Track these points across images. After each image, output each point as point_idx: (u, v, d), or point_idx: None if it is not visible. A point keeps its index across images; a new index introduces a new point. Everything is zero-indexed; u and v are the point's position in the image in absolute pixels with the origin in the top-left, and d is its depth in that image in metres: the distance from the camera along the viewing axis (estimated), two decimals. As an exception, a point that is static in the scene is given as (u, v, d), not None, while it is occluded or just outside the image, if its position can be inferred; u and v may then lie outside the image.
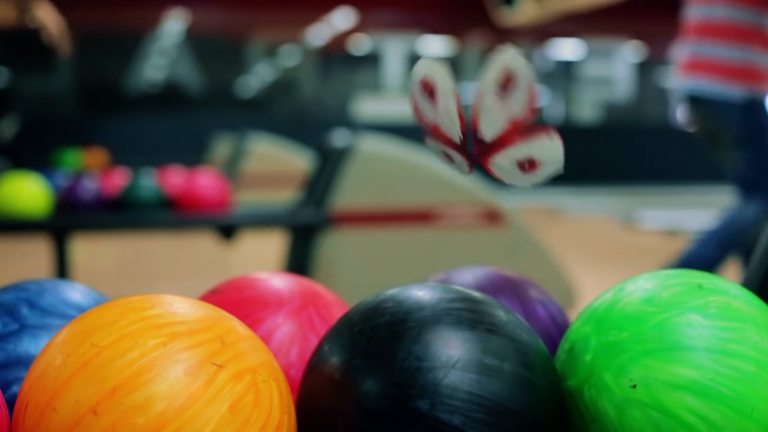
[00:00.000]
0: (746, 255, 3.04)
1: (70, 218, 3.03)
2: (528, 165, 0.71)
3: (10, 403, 0.73)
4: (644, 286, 0.75)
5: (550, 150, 0.70)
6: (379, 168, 3.29)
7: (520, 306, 0.88)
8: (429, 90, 0.73)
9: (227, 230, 3.25)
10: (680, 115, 3.25)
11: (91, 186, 3.05)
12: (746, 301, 0.73)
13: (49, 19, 2.82)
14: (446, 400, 0.64)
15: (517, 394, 0.66)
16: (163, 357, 0.61)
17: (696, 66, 3.05)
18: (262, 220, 3.39)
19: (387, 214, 3.25)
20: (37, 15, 2.76)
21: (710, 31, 2.99)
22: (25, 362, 0.75)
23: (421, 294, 0.71)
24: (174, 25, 13.30)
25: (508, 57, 0.69)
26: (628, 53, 15.83)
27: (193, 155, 9.24)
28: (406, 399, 0.64)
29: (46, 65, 14.71)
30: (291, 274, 0.92)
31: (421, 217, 3.28)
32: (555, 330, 0.88)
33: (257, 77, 17.83)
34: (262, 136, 7.94)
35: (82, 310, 0.80)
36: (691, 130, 3.20)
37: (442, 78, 0.72)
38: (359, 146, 3.26)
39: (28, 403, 0.61)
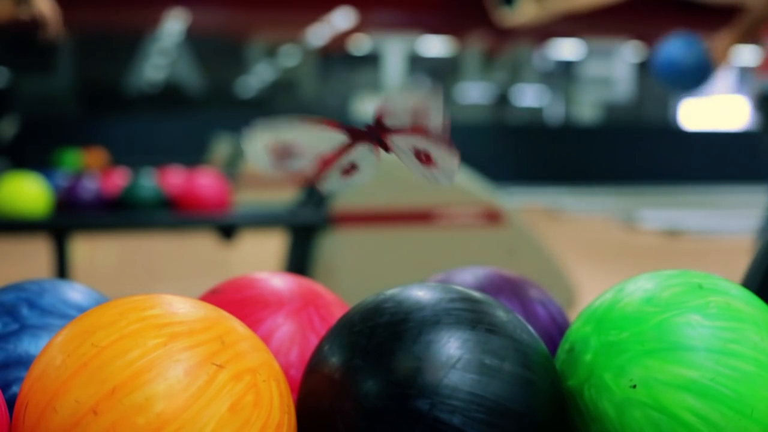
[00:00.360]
0: None
1: (70, 218, 3.03)
2: (349, 168, 0.81)
3: (10, 403, 0.73)
4: (644, 286, 0.75)
5: (370, 157, 0.80)
6: (379, 168, 3.28)
7: (520, 306, 0.88)
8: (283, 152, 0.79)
9: (227, 230, 3.25)
10: (756, 116, 3.21)
11: (91, 186, 3.05)
12: (746, 301, 0.73)
13: (45, 9, 2.82)
14: (446, 400, 0.64)
15: (518, 394, 0.66)
16: (163, 357, 0.60)
17: None
18: (262, 220, 3.39)
19: (387, 214, 3.25)
20: (33, 6, 2.75)
21: None
22: (25, 362, 0.75)
23: (421, 294, 0.71)
24: (174, 25, 13.29)
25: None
26: (628, 53, 15.82)
27: (193, 155, 9.23)
28: (406, 399, 0.64)
29: (46, 65, 14.70)
30: (291, 274, 0.92)
31: (421, 217, 3.28)
32: (555, 330, 0.88)
33: (257, 77, 17.82)
34: (262, 136, 7.91)
35: (82, 310, 0.80)
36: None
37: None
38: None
39: (28, 403, 0.61)
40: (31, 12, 2.79)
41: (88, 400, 0.59)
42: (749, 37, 2.94)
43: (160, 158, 7.52)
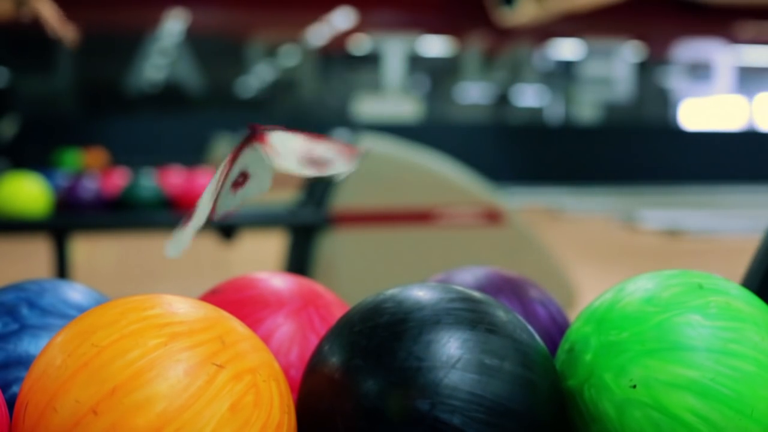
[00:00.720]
0: None
1: (70, 218, 3.03)
2: (240, 180, 0.77)
3: (10, 403, 0.73)
4: (644, 286, 0.75)
5: (260, 160, 0.75)
6: (379, 168, 3.29)
7: (520, 306, 0.88)
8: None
9: (227, 230, 3.25)
10: None
11: (91, 186, 3.05)
12: (746, 301, 0.73)
13: (47, 12, 2.84)
14: (446, 400, 0.64)
15: (518, 394, 0.66)
16: (163, 357, 0.60)
17: None
18: (262, 220, 3.39)
19: (387, 214, 3.25)
20: (35, 8, 2.77)
21: None
22: (25, 362, 0.75)
23: (421, 294, 0.71)
24: (174, 25, 13.30)
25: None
26: (628, 53, 15.82)
27: (193, 155, 9.23)
28: (406, 399, 0.64)
29: (46, 65, 14.70)
30: (291, 274, 0.92)
31: (421, 217, 3.28)
32: (555, 330, 0.88)
33: (257, 77, 17.82)
34: (262, 136, 7.91)
35: (82, 310, 0.80)
36: None
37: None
38: (359, 146, 3.25)
39: (28, 403, 0.61)
40: (31, 13, 2.81)
41: (88, 400, 0.59)
42: None
43: (160, 158, 7.52)
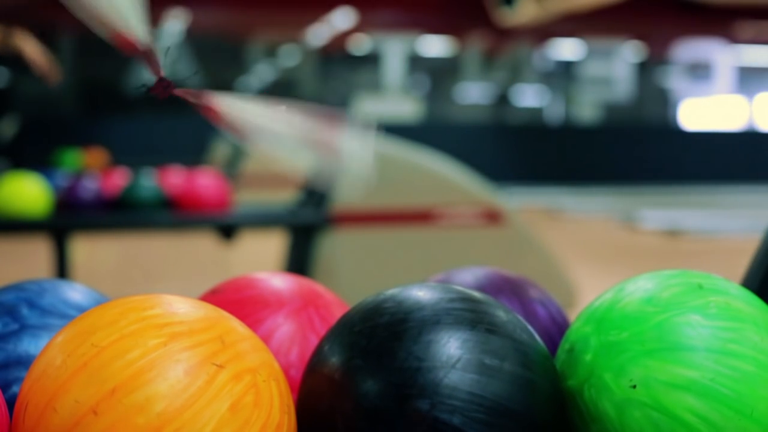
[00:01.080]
0: None
1: (70, 218, 3.03)
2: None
3: (10, 403, 0.73)
4: (644, 286, 0.75)
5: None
6: (379, 168, 3.29)
7: (520, 306, 0.88)
8: None
9: (227, 230, 3.25)
10: None
11: (91, 186, 3.05)
12: (746, 301, 0.73)
13: (31, 50, 2.88)
14: (446, 400, 0.64)
15: (517, 394, 0.66)
16: (163, 357, 0.60)
17: None
18: (262, 220, 3.39)
19: (387, 214, 3.25)
20: (19, 45, 2.81)
21: None
22: (25, 362, 0.75)
23: (421, 294, 0.71)
24: (174, 25, 13.29)
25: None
26: (628, 53, 15.82)
27: (193, 155, 9.23)
28: (406, 399, 0.64)
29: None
30: (291, 274, 0.92)
31: (421, 217, 3.28)
32: (555, 330, 0.88)
33: (257, 77, 17.82)
34: (262, 136, 7.90)
35: (82, 310, 0.80)
36: None
37: None
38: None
39: (28, 403, 0.61)
40: (15, 49, 2.84)
41: (88, 400, 0.59)
42: None
43: (160, 158, 7.51)
